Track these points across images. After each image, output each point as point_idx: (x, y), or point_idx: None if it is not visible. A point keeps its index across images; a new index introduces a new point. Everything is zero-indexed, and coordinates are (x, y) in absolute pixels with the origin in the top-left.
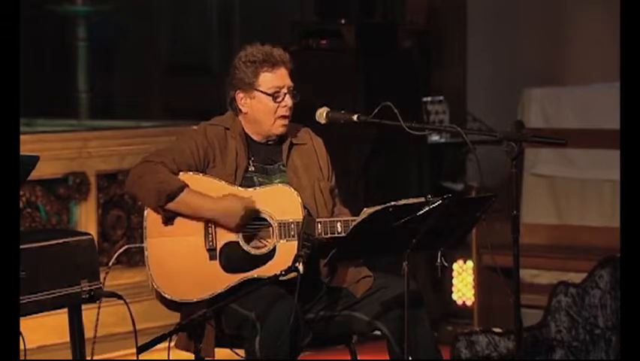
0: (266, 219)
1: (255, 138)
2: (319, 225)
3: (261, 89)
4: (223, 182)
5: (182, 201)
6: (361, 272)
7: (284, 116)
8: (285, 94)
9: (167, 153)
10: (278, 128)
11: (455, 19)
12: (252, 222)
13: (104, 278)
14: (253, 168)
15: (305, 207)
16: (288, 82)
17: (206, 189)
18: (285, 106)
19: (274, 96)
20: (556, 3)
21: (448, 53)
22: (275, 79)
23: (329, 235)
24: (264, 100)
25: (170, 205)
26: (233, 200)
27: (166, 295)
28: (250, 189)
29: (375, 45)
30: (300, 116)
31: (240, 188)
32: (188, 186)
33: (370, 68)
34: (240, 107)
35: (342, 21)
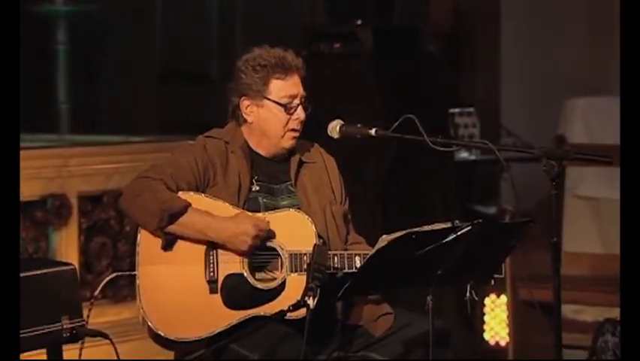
0: (275, 249)
1: (260, 151)
2: (335, 258)
3: (272, 97)
4: (227, 204)
5: (186, 222)
6: (381, 309)
7: (294, 130)
8: (298, 105)
9: (165, 168)
10: (287, 141)
11: (486, 20)
12: (260, 253)
13: (88, 314)
14: (257, 188)
15: (320, 237)
16: (302, 91)
17: (209, 211)
18: (297, 119)
19: (286, 107)
20: None
21: (478, 58)
22: (288, 87)
23: (346, 271)
24: (275, 110)
25: (173, 227)
26: (246, 219)
27: (159, 332)
28: (259, 214)
29: (395, 49)
30: (310, 129)
31: (245, 212)
32: (191, 205)
33: (390, 75)
34: (245, 115)
35: (358, 22)
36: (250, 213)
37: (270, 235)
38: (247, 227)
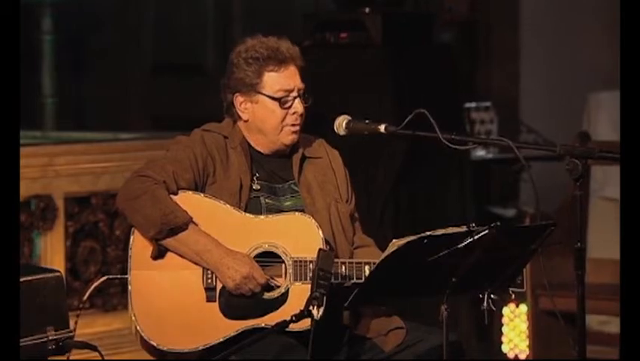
0: (278, 256)
1: (260, 149)
2: (343, 267)
3: (266, 92)
4: (228, 206)
5: (184, 240)
6: (392, 322)
7: (293, 125)
8: (295, 98)
9: (166, 165)
10: (286, 137)
11: (505, 8)
12: (262, 259)
13: (75, 324)
14: (259, 187)
15: (327, 242)
16: (299, 83)
17: (208, 214)
18: (295, 113)
19: (282, 101)
20: None
21: (496, 49)
22: (283, 80)
23: (355, 280)
24: (270, 105)
25: (169, 241)
26: (248, 261)
27: (151, 342)
28: (262, 217)
29: (407, 39)
30: (315, 126)
31: (248, 215)
32: (193, 220)
33: (400, 66)
34: (240, 113)
35: (366, 10)
36: (250, 215)
37: (272, 240)
38: (244, 268)
